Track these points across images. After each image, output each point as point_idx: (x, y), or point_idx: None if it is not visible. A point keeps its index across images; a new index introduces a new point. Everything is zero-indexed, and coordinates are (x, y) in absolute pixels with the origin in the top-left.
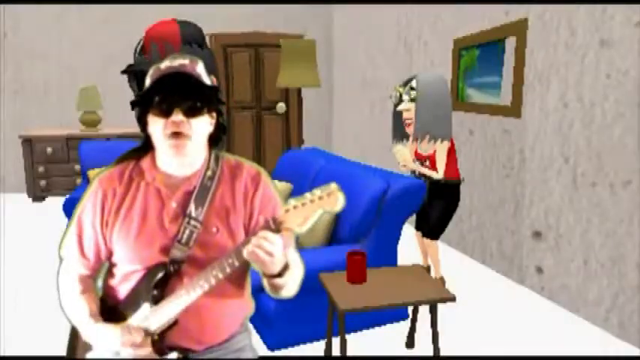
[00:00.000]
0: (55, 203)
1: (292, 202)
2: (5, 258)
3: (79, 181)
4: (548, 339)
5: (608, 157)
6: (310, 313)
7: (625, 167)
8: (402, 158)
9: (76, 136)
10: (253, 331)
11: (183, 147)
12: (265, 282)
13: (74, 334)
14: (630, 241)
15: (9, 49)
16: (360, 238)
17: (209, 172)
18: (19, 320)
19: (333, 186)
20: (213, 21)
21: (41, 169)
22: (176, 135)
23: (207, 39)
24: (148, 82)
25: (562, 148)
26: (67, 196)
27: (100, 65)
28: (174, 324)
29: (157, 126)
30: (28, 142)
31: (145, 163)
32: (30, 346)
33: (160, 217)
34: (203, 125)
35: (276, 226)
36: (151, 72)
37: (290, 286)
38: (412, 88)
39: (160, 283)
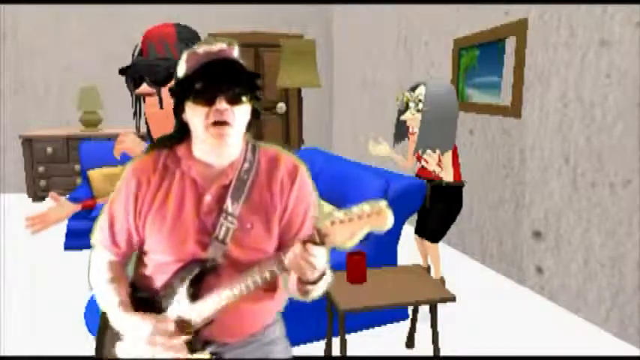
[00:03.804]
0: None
1: (339, 215)
2: (5, 258)
3: (79, 181)
4: (548, 339)
5: (608, 157)
6: (310, 313)
7: (625, 167)
8: (381, 153)
9: (76, 136)
10: None
11: (226, 135)
12: (296, 286)
13: (104, 325)
14: (630, 241)
15: (9, 49)
16: None
17: (246, 165)
18: (19, 320)
19: (383, 204)
20: (212, 21)
21: (41, 169)
22: (220, 124)
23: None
24: (183, 67)
25: (562, 148)
26: (67, 196)
27: (100, 65)
28: (211, 321)
29: (198, 114)
30: (28, 142)
31: (181, 150)
32: (30, 346)
33: (195, 210)
34: (245, 113)
35: (320, 239)
36: (185, 57)
37: (320, 290)
38: (420, 101)
39: (195, 279)
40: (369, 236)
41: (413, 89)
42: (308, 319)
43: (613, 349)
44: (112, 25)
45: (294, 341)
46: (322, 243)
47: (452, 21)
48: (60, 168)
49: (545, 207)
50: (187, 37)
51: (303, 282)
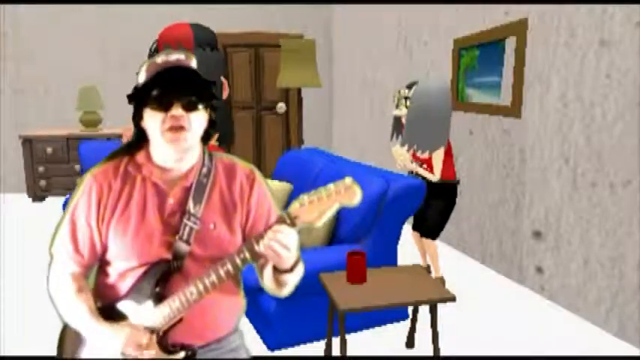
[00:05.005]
0: (55, 203)
1: (306, 197)
2: (5, 258)
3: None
4: (548, 339)
5: (608, 157)
6: (310, 313)
7: (625, 167)
8: (400, 158)
9: (76, 136)
10: (254, 332)
11: (182, 140)
12: (272, 278)
13: (64, 329)
14: (630, 241)
15: (9, 49)
16: (360, 238)
17: (204, 169)
18: (19, 320)
19: (349, 180)
20: (213, 21)
21: (41, 169)
22: (175, 129)
23: None
24: (143, 76)
25: (562, 148)
26: (67, 196)
27: (100, 65)
28: (179, 321)
29: (155, 120)
30: (28, 142)
31: (141, 157)
32: (30, 346)
33: (158, 212)
34: (200, 120)
35: (290, 221)
36: (145, 66)
37: (294, 283)
38: (408, 98)
39: (161, 280)
40: (369, 236)
41: (409, 87)
42: (308, 319)
43: (613, 349)
44: (112, 26)
45: (294, 341)
46: (293, 225)
47: (452, 21)
48: (60, 168)
49: (545, 207)
50: (204, 40)
51: (279, 272)
